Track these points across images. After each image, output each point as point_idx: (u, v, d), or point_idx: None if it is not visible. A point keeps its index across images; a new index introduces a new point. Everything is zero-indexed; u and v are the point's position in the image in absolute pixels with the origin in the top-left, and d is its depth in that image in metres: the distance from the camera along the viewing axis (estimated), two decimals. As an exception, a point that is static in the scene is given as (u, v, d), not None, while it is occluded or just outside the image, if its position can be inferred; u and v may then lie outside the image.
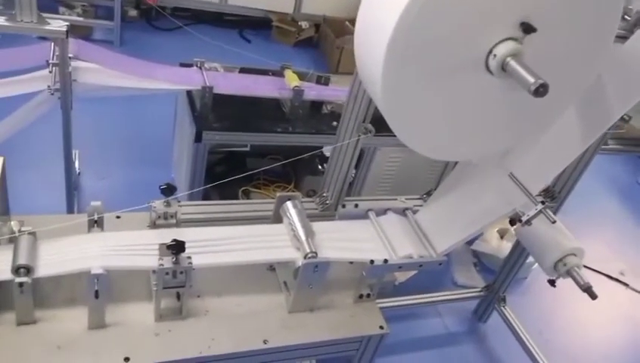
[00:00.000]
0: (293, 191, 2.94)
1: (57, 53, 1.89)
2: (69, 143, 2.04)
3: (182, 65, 2.47)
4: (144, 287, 1.37)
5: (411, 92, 1.09)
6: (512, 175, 1.42)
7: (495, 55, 1.08)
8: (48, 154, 2.79)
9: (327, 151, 2.99)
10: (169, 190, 1.35)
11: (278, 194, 1.51)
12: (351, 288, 1.50)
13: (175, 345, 1.27)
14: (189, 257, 1.24)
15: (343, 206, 1.56)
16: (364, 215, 1.59)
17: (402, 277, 2.39)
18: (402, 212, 1.62)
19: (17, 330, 1.21)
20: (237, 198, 2.72)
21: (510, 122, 1.29)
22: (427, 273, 1.69)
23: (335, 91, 2.53)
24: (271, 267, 1.52)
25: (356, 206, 1.57)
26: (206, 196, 2.46)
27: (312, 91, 2.46)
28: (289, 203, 1.48)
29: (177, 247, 1.20)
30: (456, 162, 1.89)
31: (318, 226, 1.45)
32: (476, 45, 1.08)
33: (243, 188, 2.80)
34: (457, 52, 1.08)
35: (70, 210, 2.27)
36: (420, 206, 1.66)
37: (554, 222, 1.39)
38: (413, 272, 2.37)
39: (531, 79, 1.02)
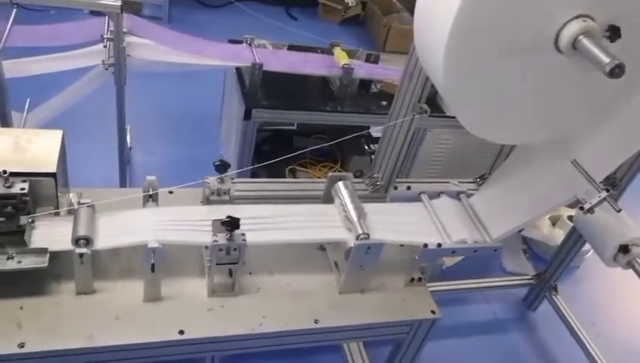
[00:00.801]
0: (340, 171, 2.95)
1: (111, 28, 1.91)
2: (123, 117, 2.07)
3: (231, 42, 2.47)
4: (197, 262, 1.39)
5: (474, 71, 1.05)
6: (575, 162, 1.35)
7: (565, 33, 1.02)
8: (100, 128, 2.85)
9: (374, 131, 2.96)
10: (222, 167, 1.36)
11: (329, 174, 1.49)
12: (401, 271, 1.48)
13: (227, 321, 1.28)
14: (243, 234, 1.24)
15: (395, 188, 1.53)
16: (416, 198, 1.55)
17: (449, 261, 2.34)
18: (456, 195, 1.58)
19: (76, 298, 1.24)
20: (283, 176, 2.72)
21: (576, 105, 1.23)
22: (474, 258, 1.65)
23: (385, 70, 2.48)
24: (322, 247, 1.51)
25: (409, 188, 1.54)
26: (253, 174, 2.47)
27: (362, 70, 2.42)
28: (340, 184, 1.46)
29: (231, 224, 1.20)
30: (512, 146, 1.83)
31: (369, 207, 1.43)
32: (546, 21, 1.02)
33: (289, 167, 2.80)
34: (525, 28, 1.03)
35: (123, 184, 2.31)
36: (474, 190, 1.62)
37: (619, 211, 1.33)
38: (460, 257, 2.34)
39: (606, 59, 0.96)
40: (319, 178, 2.76)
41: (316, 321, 1.32)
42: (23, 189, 1.17)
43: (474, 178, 1.77)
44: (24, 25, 2.04)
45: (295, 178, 2.74)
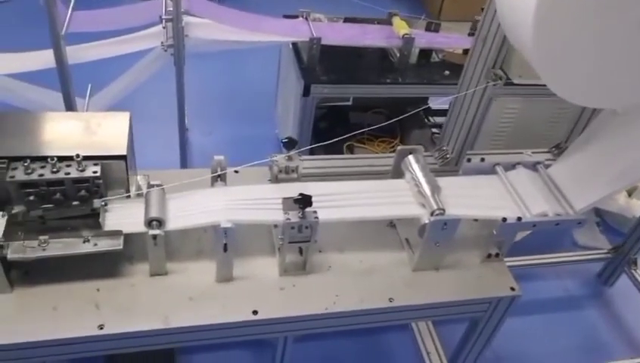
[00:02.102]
0: (400, 146, 2.87)
1: (169, 8, 1.89)
2: (183, 98, 2.06)
3: (286, 17, 2.42)
4: (266, 242, 1.37)
5: (568, 28, 0.96)
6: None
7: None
8: (156, 110, 2.88)
9: (434, 104, 2.86)
10: (290, 144, 1.32)
11: (398, 148, 1.43)
12: (476, 247, 1.42)
13: (300, 300, 1.25)
14: (315, 212, 1.20)
15: (469, 160, 1.45)
16: (490, 170, 1.47)
17: (517, 235, 2.25)
18: (533, 166, 1.49)
19: (150, 280, 1.24)
20: (341, 154, 2.67)
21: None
22: (542, 233, 1.55)
23: (447, 39, 2.37)
24: (391, 223, 1.46)
25: (482, 160, 1.46)
26: (310, 152, 2.43)
27: (423, 39, 2.33)
28: (411, 157, 1.40)
29: (304, 201, 1.17)
30: (592, 114, 1.72)
31: (442, 181, 1.36)
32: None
33: (347, 144, 2.75)
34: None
35: (184, 165, 2.33)
36: (551, 160, 1.52)
37: None
38: (527, 232, 2.23)
39: None
40: (377, 153, 2.70)
41: (391, 300, 1.28)
42: (95, 172, 1.17)
43: (549, 147, 1.68)
44: (84, 10, 2.06)
45: (353, 154, 2.69)
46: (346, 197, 1.33)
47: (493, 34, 1.34)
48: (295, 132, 2.38)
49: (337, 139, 1.62)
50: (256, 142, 3.05)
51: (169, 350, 1.75)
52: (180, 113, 2.14)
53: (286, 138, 1.33)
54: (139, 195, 1.31)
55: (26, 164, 1.14)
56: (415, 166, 1.37)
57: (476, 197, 1.38)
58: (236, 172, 1.49)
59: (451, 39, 2.36)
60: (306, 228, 1.21)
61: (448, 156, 1.61)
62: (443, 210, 1.26)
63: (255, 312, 1.20)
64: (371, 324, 1.32)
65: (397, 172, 1.44)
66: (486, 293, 1.34)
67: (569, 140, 1.48)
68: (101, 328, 1.12)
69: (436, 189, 1.31)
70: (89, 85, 2.19)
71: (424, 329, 1.92)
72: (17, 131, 1.27)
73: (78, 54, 1.88)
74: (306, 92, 2.18)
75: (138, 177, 1.42)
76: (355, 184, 1.38)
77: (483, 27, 1.38)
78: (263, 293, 1.25)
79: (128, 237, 1.20)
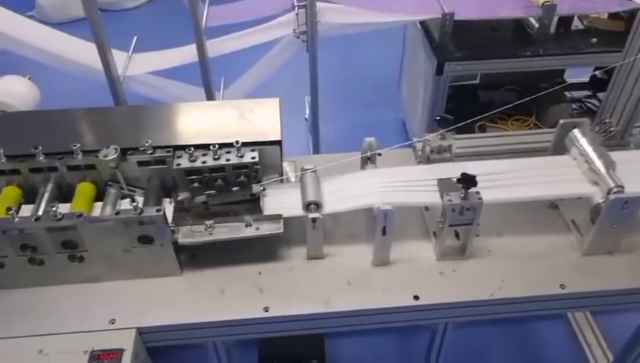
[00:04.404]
0: (536, 124, 2.69)
1: (301, -5, 1.89)
2: (316, 84, 2.07)
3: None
4: (417, 225, 1.32)
5: None
6: None
7: None
8: (284, 98, 2.92)
9: (571, 77, 2.64)
10: (443, 122, 1.26)
11: (560, 122, 1.31)
12: (654, 229, 1.27)
13: (462, 285, 1.19)
14: (477, 192, 1.13)
15: (641, 133, 1.31)
16: (667, 143, 1.32)
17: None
18: None
19: (308, 263, 1.24)
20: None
21: None
22: None
23: (593, 3, 2.16)
24: (553, 204, 1.35)
25: (657, 131, 1.31)
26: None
27: (564, 6, 2.14)
28: (576, 131, 1.28)
29: (467, 181, 1.10)
30: None
31: (614, 156, 1.23)
32: None
33: (479, 124, 2.62)
34: None
35: (316, 151, 2.34)
36: None
37: None
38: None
39: None
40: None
41: (562, 286, 1.18)
42: (254, 158, 1.19)
43: None
44: (218, 5, 2.12)
45: (488, 134, 2.56)
46: (506, 177, 1.25)
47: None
48: (426, 114, 2.31)
49: (478, 117, 1.53)
50: (380, 128, 3.01)
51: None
52: (313, 97, 2.14)
53: (438, 116, 1.27)
54: (288, 180, 1.32)
55: (190, 152, 1.18)
56: (583, 141, 1.26)
57: (656, 173, 1.24)
58: (379, 155, 1.46)
59: (597, 3, 2.15)
60: (468, 209, 1.15)
61: (612, 129, 1.46)
62: (622, 187, 1.14)
63: (416, 297, 1.16)
64: (538, 312, 1.23)
65: (558, 148, 1.32)
66: (673, 280, 1.20)
67: None
68: (266, 311, 1.14)
69: (610, 164, 1.19)
70: (222, 79, 2.27)
71: (581, 319, 1.78)
72: (178, 121, 1.33)
73: (213, 47, 1.94)
74: (439, 71, 2.09)
75: (285, 163, 1.43)
76: (515, 163, 1.29)
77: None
78: (422, 277, 1.21)
79: (285, 221, 1.21)
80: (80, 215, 1.08)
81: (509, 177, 1.25)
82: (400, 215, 1.30)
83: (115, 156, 1.16)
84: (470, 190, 1.13)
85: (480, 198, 1.13)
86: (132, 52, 2.12)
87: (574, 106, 2.65)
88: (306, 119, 2.95)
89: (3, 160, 1.19)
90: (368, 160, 1.33)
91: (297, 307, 1.15)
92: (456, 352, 1.43)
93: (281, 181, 1.28)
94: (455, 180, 1.16)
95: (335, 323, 1.18)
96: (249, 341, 1.37)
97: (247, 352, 1.68)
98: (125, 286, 1.18)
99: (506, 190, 1.21)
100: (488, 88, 2.79)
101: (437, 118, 1.26)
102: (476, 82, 2.86)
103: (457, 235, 1.25)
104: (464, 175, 1.11)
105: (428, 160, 1.31)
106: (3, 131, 1.32)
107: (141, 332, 1.11)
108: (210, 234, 1.17)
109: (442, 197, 1.16)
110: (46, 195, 1.21)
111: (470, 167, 1.24)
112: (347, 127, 3.07)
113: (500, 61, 2.15)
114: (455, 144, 1.30)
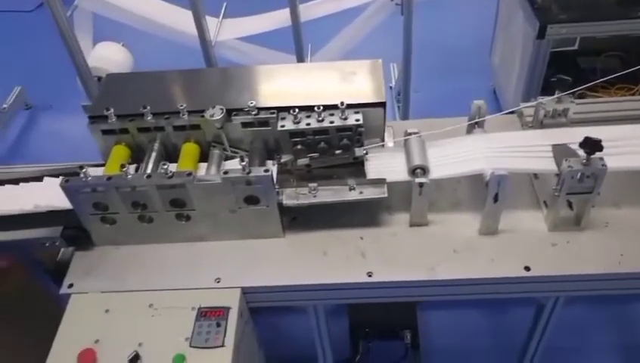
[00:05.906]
0: (642, 93, 2.49)
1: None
2: (410, 47, 2.00)
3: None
4: (525, 193, 1.25)
5: None
6: None
7: None
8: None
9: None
10: (563, 83, 1.17)
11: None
12: None
13: (575, 257, 1.12)
14: (601, 159, 1.05)
15: None
16: None
17: None
18: None
19: (411, 230, 1.21)
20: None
21: None
22: None
23: None
24: (677, 175, 1.24)
25: None
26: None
27: (686, -39, 1.94)
28: None
29: (592, 146, 1.02)
30: None
31: None
32: None
33: (579, 93, 2.45)
34: None
35: (405, 116, 2.28)
36: None
37: None
38: None
39: None
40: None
41: (691, 263, 1.08)
42: (357, 120, 1.16)
43: None
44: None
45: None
46: (630, 143, 1.15)
47: None
48: (522, 82, 2.18)
49: (587, 85, 1.42)
50: (469, 96, 2.88)
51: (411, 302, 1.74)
52: (406, 61, 2.07)
53: (555, 77, 1.18)
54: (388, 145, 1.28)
55: (294, 113, 1.17)
56: None
57: None
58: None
59: None
60: (588, 177, 1.07)
61: None
62: None
63: (527, 268, 1.11)
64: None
65: (688, 114, 1.21)
66: None
67: None
68: (370, 276, 1.12)
69: None
70: (309, 45, 2.24)
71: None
72: (279, 83, 1.31)
73: (308, 11, 1.91)
74: (541, 34, 1.96)
75: (384, 128, 1.39)
76: (638, 128, 1.18)
77: None
78: (533, 248, 1.15)
79: (388, 186, 1.18)
80: (190, 174, 1.10)
81: (634, 144, 1.15)
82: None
83: (221, 116, 1.17)
84: (593, 156, 1.04)
85: (604, 164, 1.05)
86: (222, 18, 2.13)
87: None
88: (390, 87, 2.88)
89: (114, 120, 1.22)
90: (475, 125, 1.26)
91: (401, 273, 1.13)
92: (560, 332, 1.36)
93: (382, 145, 1.24)
94: (572, 146, 1.08)
95: (440, 291, 1.15)
96: (339, 307, 1.35)
97: (337, 318, 1.68)
98: (230, 246, 1.20)
99: (631, 158, 1.12)
100: (588, 54, 2.61)
101: (553, 79, 1.18)
102: (575, 47, 2.68)
103: (570, 205, 1.17)
104: (587, 138, 1.03)
105: (541, 125, 1.23)
106: (110, 92, 1.35)
107: (244, 292, 1.13)
108: (314, 196, 1.15)
109: (559, 163, 1.08)
110: (153, 154, 1.23)
111: (588, 133, 1.15)
112: (434, 95, 2.97)
113: (608, 23, 1.98)
114: (572, 108, 1.21)
